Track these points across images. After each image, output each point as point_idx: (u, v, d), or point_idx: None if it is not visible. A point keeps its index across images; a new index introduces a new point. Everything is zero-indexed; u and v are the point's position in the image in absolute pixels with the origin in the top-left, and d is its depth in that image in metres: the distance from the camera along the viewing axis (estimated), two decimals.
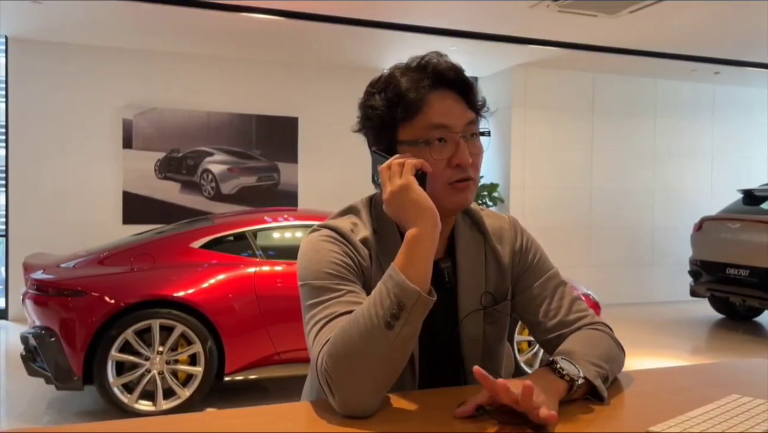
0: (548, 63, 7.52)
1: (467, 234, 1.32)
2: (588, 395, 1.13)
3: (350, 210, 1.30)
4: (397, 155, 1.17)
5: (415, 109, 1.18)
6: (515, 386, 0.98)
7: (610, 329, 1.32)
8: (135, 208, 6.92)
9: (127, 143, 6.91)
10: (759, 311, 7.30)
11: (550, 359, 1.14)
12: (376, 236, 1.24)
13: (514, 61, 7.49)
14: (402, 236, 1.17)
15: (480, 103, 1.25)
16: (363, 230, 1.24)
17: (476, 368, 0.99)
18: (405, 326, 1.03)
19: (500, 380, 0.98)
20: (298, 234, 4.92)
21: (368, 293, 1.13)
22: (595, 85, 8.16)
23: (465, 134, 1.20)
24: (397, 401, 1.11)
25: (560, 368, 1.10)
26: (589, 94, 8.18)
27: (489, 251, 1.32)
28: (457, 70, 1.22)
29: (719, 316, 7.46)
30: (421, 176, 1.15)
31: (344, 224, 1.24)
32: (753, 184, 7.55)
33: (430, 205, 1.11)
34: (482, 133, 1.24)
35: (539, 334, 1.31)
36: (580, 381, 1.10)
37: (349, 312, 1.09)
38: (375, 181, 1.25)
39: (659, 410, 1.09)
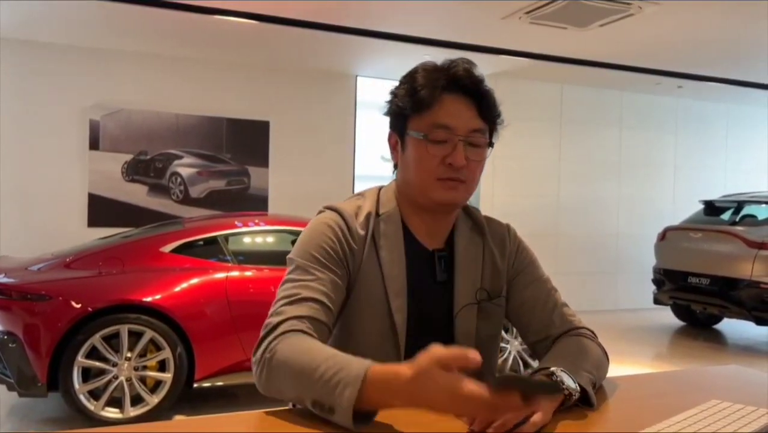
0: (518, 73, 7.63)
1: (467, 233, 1.35)
2: (578, 402, 1.15)
3: (359, 195, 1.36)
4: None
5: (425, 106, 1.23)
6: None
7: (594, 334, 1.35)
8: (101, 210, 6.76)
9: (94, 144, 6.76)
10: (719, 319, 7.51)
11: (550, 370, 1.12)
12: (377, 219, 1.28)
13: (484, 70, 7.27)
14: (404, 224, 1.26)
15: (495, 114, 1.28)
16: (366, 210, 1.29)
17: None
18: (324, 414, 1.00)
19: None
20: (270, 239, 4.88)
21: (357, 276, 1.21)
22: (563, 96, 8.32)
23: (466, 139, 1.23)
24: None
25: (560, 381, 1.10)
26: (557, 105, 8.32)
27: (487, 252, 1.35)
28: (473, 78, 1.26)
29: (681, 323, 7.65)
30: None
31: (349, 206, 1.30)
32: (713, 195, 7.78)
33: (450, 406, 0.93)
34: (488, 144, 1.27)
35: (529, 337, 1.34)
36: (577, 395, 1.11)
37: (311, 298, 1.15)
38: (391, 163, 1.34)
39: (646, 414, 1.11)
